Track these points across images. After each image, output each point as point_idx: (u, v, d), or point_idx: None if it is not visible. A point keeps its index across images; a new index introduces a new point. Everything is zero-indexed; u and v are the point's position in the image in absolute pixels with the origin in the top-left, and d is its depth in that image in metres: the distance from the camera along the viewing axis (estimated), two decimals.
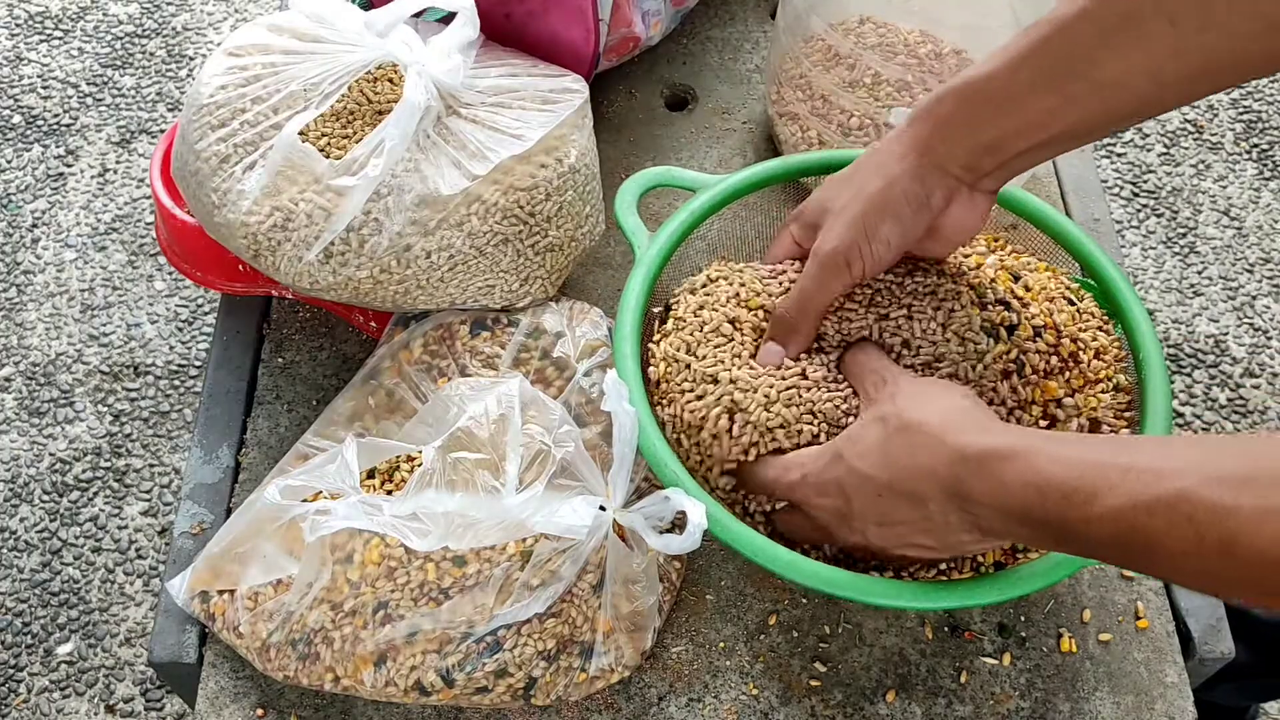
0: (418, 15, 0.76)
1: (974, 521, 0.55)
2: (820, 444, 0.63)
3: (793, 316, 0.66)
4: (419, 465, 0.65)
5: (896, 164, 0.63)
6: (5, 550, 1.50)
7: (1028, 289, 0.70)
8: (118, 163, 1.88)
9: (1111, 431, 0.67)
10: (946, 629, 0.72)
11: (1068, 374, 0.67)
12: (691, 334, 0.68)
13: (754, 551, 0.62)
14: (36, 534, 1.51)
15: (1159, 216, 1.85)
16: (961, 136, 0.62)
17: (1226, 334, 1.72)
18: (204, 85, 0.73)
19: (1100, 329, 0.70)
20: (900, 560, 0.63)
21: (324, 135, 0.74)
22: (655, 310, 0.72)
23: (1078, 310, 0.70)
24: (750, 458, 0.64)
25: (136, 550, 1.50)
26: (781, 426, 0.64)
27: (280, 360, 0.84)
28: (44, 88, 1.98)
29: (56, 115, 1.94)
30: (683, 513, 0.61)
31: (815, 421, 0.64)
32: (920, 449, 0.56)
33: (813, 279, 0.66)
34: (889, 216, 0.64)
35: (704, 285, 0.71)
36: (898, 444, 0.57)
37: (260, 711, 0.68)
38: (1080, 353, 0.68)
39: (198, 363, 1.66)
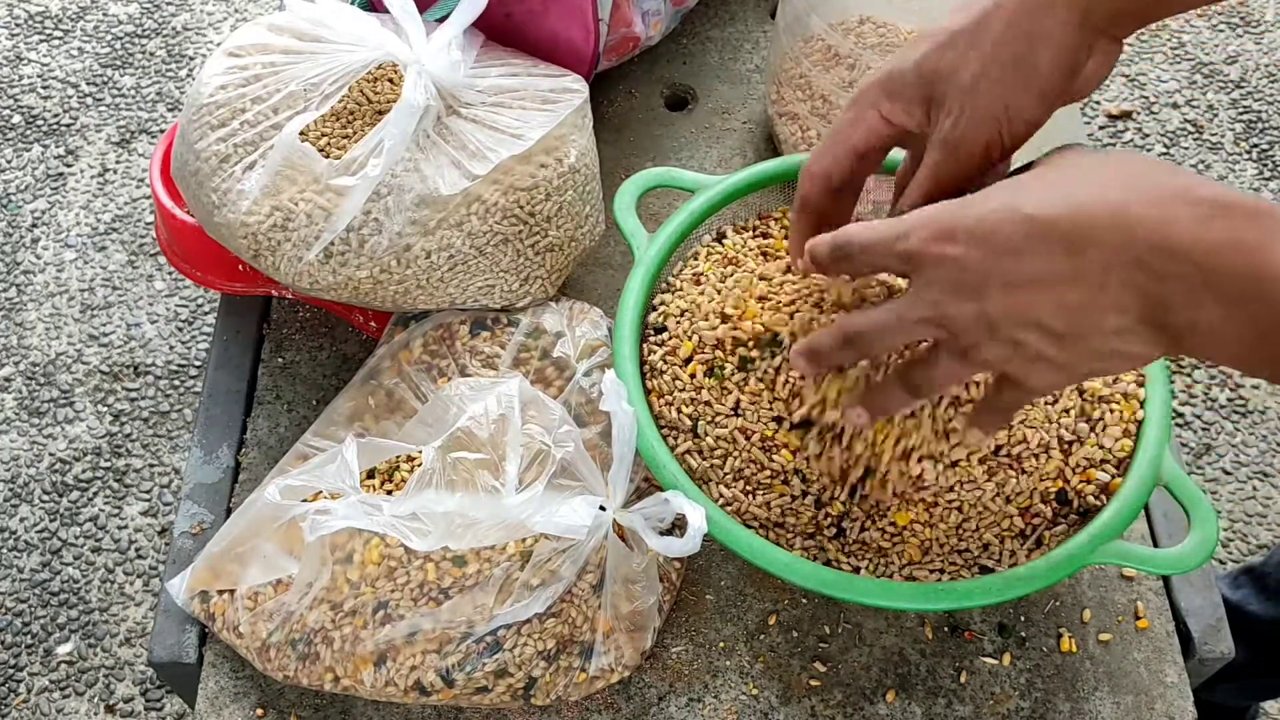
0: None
1: (1145, 291, 0.42)
2: None
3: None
4: (419, 465, 0.65)
5: (1043, 17, 0.50)
6: (5, 550, 1.50)
7: None
8: (118, 163, 1.88)
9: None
10: (946, 629, 0.72)
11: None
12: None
13: (753, 554, 0.62)
14: (36, 534, 1.51)
15: None
16: None
17: None
18: (204, 85, 0.73)
19: None
20: (994, 366, 0.49)
21: (324, 135, 0.74)
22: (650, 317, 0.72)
23: None
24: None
25: (136, 550, 1.50)
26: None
27: (280, 360, 0.84)
28: (44, 88, 1.98)
29: (56, 115, 1.94)
30: (683, 514, 0.61)
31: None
32: (1113, 182, 0.43)
33: (944, 170, 0.53)
34: (1036, 91, 0.51)
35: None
36: (1074, 175, 0.45)
37: (260, 711, 0.68)
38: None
39: (198, 363, 1.66)
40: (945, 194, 0.52)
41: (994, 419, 0.55)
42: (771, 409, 0.65)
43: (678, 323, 0.70)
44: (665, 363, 0.69)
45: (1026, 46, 0.50)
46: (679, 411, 0.68)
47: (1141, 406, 0.67)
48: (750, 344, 0.66)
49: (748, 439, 0.66)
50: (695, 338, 0.69)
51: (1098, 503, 0.65)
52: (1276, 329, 0.40)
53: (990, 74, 0.51)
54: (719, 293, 0.70)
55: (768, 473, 0.65)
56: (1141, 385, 0.67)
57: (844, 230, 0.52)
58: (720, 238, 0.76)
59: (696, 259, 0.74)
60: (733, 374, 0.67)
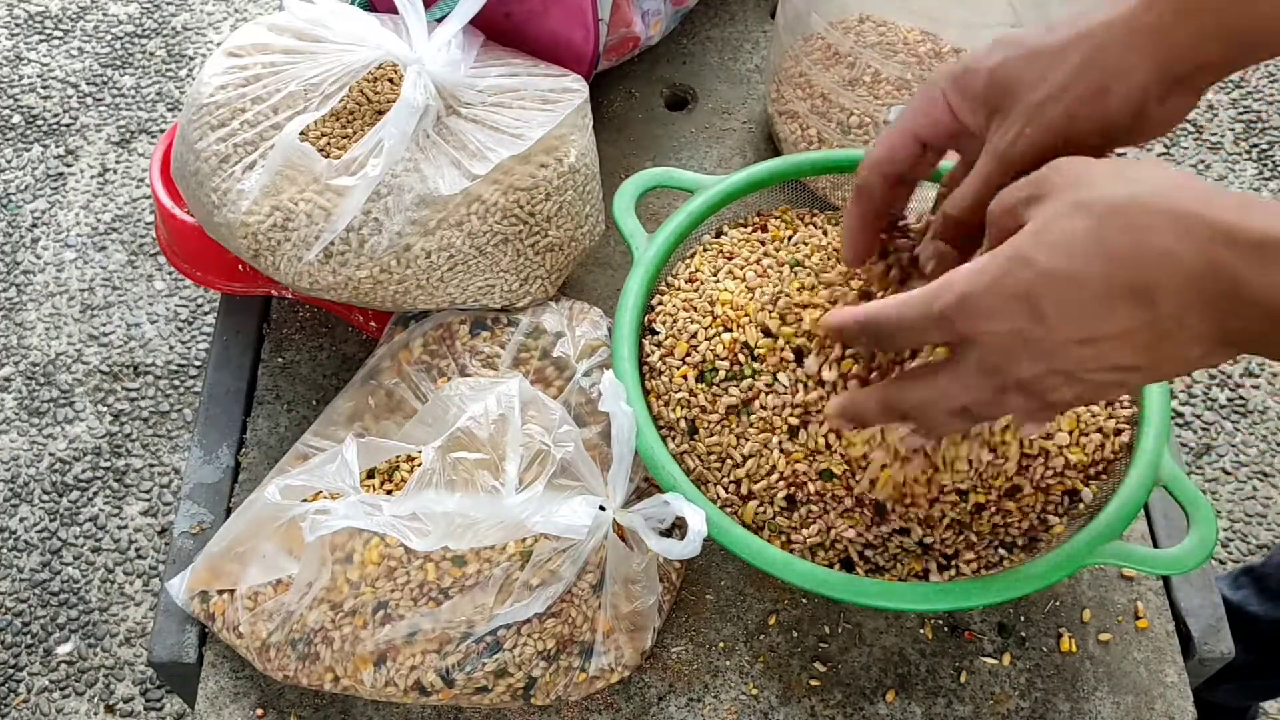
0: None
1: (1223, 326, 0.43)
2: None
3: (958, 214, 0.54)
4: (419, 465, 0.65)
5: (1125, 56, 0.50)
6: (5, 550, 1.50)
7: None
8: (118, 163, 1.88)
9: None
10: (946, 629, 0.72)
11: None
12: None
13: (752, 555, 0.62)
14: (36, 534, 1.51)
15: None
16: (1210, 21, 0.49)
17: None
18: (204, 85, 0.73)
19: None
20: (1073, 403, 0.50)
21: (324, 135, 0.74)
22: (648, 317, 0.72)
23: None
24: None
25: (136, 550, 1.50)
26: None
27: (280, 360, 0.84)
28: (44, 88, 1.98)
29: (56, 115, 1.94)
30: (683, 516, 0.61)
31: None
32: (1160, 230, 0.43)
33: (988, 182, 0.52)
34: (1099, 126, 0.51)
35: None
36: (1121, 227, 0.43)
37: (260, 711, 0.68)
38: None
39: (198, 363, 1.66)
40: (986, 203, 0.52)
41: (1047, 420, 0.56)
42: (760, 425, 0.66)
43: (672, 321, 0.70)
44: (664, 364, 0.69)
45: (1100, 82, 0.50)
46: (675, 413, 0.68)
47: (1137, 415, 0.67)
48: (732, 358, 0.66)
49: (739, 443, 0.66)
50: (687, 339, 0.69)
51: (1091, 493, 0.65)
52: None
53: (1060, 100, 0.51)
54: (713, 290, 0.70)
55: (764, 485, 0.65)
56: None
57: (872, 311, 0.50)
58: (719, 234, 0.76)
59: (695, 258, 0.74)
60: (723, 380, 0.67)
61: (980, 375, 0.48)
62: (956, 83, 0.54)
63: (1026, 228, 0.46)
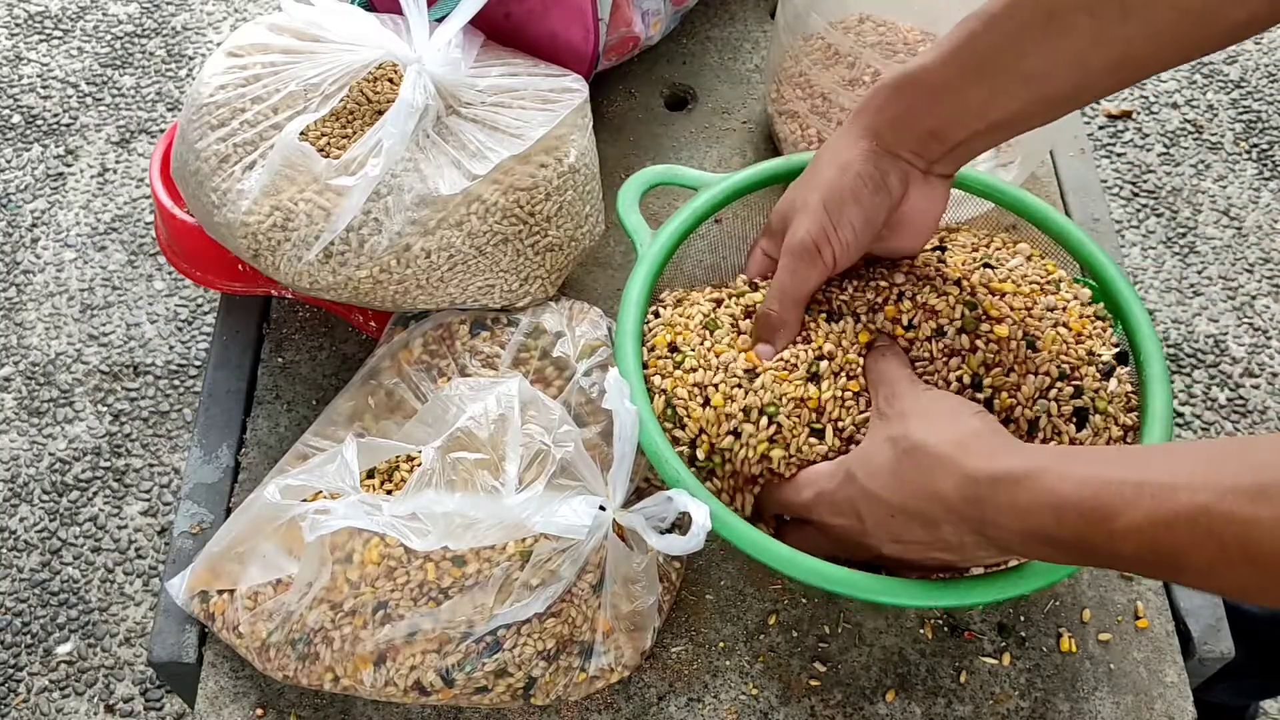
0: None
1: (990, 541, 0.55)
2: (828, 457, 0.64)
3: (775, 313, 0.67)
4: (419, 465, 0.65)
5: (850, 151, 0.65)
6: (5, 550, 1.50)
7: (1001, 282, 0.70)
8: (117, 163, 1.88)
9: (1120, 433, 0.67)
10: (946, 629, 0.72)
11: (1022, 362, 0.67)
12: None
13: (754, 548, 0.62)
14: (36, 534, 1.51)
15: (1159, 216, 1.85)
16: (904, 125, 0.63)
17: (1226, 334, 1.72)
18: (204, 85, 0.73)
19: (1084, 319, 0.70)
20: (918, 569, 0.63)
21: (323, 135, 0.74)
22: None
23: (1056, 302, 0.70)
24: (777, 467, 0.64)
25: (136, 550, 1.50)
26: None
27: (280, 360, 0.84)
28: (44, 87, 1.98)
29: (56, 115, 1.94)
30: (684, 513, 0.61)
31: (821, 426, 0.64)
32: (930, 472, 0.56)
33: (788, 272, 0.66)
34: (850, 200, 0.64)
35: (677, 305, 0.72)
36: (907, 467, 0.57)
37: (260, 711, 0.68)
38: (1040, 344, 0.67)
39: (197, 362, 1.66)
40: (791, 293, 0.67)
41: None
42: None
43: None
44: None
45: (840, 170, 0.65)
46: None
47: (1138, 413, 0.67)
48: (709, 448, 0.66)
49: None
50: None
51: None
52: (1083, 554, 0.52)
53: (815, 193, 0.65)
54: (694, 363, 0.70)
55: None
56: (1136, 390, 0.67)
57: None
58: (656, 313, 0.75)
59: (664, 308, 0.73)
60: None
61: (835, 546, 0.63)
62: (766, 234, 0.71)
63: (860, 445, 0.62)
